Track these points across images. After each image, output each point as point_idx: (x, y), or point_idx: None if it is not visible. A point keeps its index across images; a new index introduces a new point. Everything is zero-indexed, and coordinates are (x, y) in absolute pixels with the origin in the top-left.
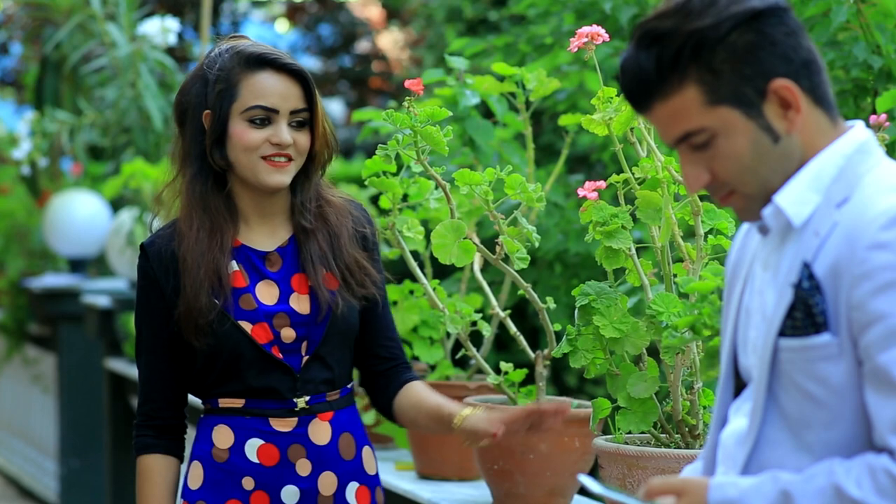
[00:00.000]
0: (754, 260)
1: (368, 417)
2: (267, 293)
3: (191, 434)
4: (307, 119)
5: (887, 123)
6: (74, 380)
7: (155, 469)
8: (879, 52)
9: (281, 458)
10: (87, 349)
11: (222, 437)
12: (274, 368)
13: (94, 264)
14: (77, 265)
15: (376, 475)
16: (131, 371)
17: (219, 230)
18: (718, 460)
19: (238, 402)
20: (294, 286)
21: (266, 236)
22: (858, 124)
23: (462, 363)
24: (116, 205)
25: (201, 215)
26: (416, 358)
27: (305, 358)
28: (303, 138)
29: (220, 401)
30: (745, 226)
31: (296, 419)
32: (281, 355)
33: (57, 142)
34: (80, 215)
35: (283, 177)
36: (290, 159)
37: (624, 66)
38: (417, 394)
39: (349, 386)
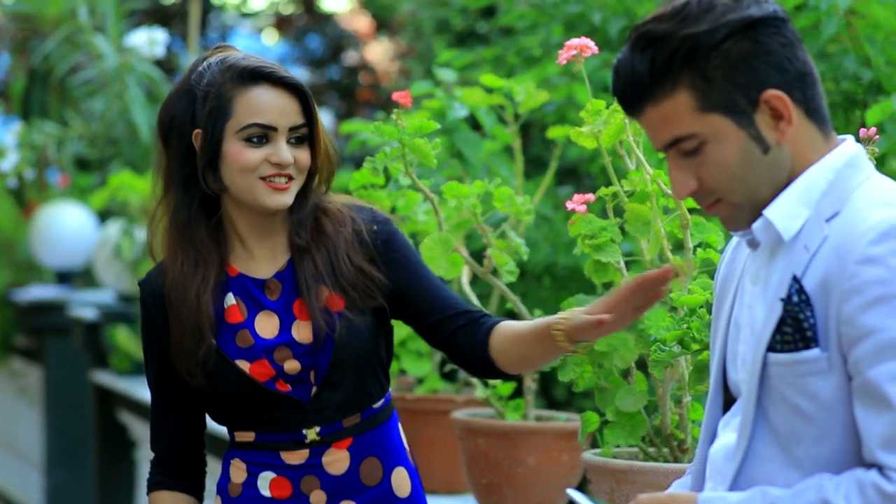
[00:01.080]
0: (744, 274)
1: None
2: (267, 325)
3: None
4: (306, 135)
5: (877, 136)
6: (61, 392)
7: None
8: (869, 64)
9: (294, 490)
10: (73, 362)
11: (237, 470)
12: (281, 402)
13: (80, 276)
14: (64, 277)
15: (410, 497)
16: (118, 384)
17: (203, 264)
18: (707, 476)
19: (249, 436)
20: (296, 313)
21: (266, 261)
22: (849, 139)
23: (450, 376)
24: (103, 216)
25: (185, 247)
26: (403, 371)
27: (315, 388)
28: (303, 155)
29: (235, 434)
30: (735, 239)
31: (307, 451)
32: (289, 386)
33: (44, 153)
34: (67, 227)
35: (285, 198)
36: (290, 178)
37: (617, 68)
38: (510, 328)
39: (376, 406)
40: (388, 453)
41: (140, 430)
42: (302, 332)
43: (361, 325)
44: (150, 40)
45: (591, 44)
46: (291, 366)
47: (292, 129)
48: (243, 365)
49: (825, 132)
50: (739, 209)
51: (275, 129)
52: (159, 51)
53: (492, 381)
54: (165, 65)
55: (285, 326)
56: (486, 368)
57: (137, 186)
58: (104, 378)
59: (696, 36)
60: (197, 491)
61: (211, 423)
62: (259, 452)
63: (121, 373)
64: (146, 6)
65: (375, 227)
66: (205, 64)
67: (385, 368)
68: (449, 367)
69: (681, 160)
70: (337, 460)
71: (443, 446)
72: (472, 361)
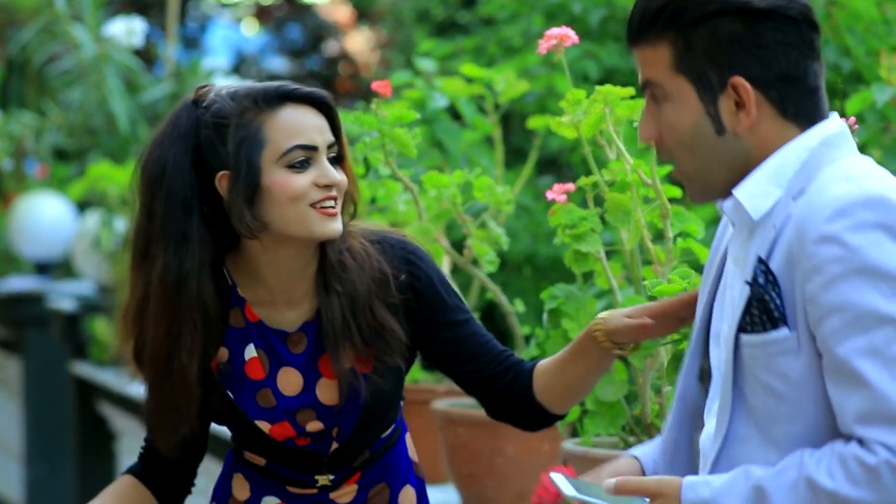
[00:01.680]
0: (728, 253)
1: None
2: (289, 382)
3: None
4: (338, 152)
5: (856, 126)
6: (40, 384)
7: (119, 483)
8: (849, 54)
9: None
10: (52, 353)
11: (240, 488)
12: (298, 453)
13: (59, 267)
14: (42, 268)
15: None
16: (97, 375)
17: (194, 328)
18: (701, 466)
19: (259, 461)
20: (322, 370)
21: (289, 308)
22: (833, 116)
23: (431, 367)
24: (82, 207)
25: (170, 310)
26: None
27: (336, 445)
28: (342, 175)
29: (245, 452)
30: (725, 218)
31: (315, 490)
32: (308, 440)
33: (22, 144)
34: (46, 218)
35: (337, 224)
36: (334, 201)
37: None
38: (549, 362)
39: (385, 435)
40: (396, 475)
41: (120, 422)
42: (327, 393)
43: (387, 387)
44: (128, 30)
45: (572, 33)
46: (314, 427)
47: (329, 147)
48: (263, 426)
49: (805, 132)
50: (689, 180)
51: (316, 149)
52: (137, 40)
53: None
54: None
55: (309, 384)
56: (533, 415)
57: (116, 177)
58: (84, 369)
59: (686, 1)
60: (164, 494)
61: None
62: (266, 478)
63: (100, 364)
64: None
65: (403, 276)
66: (208, 102)
67: (401, 399)
68: None
69: (651, 105)
70: (346, 493)
71: (423, 436)
72: (518, 410)
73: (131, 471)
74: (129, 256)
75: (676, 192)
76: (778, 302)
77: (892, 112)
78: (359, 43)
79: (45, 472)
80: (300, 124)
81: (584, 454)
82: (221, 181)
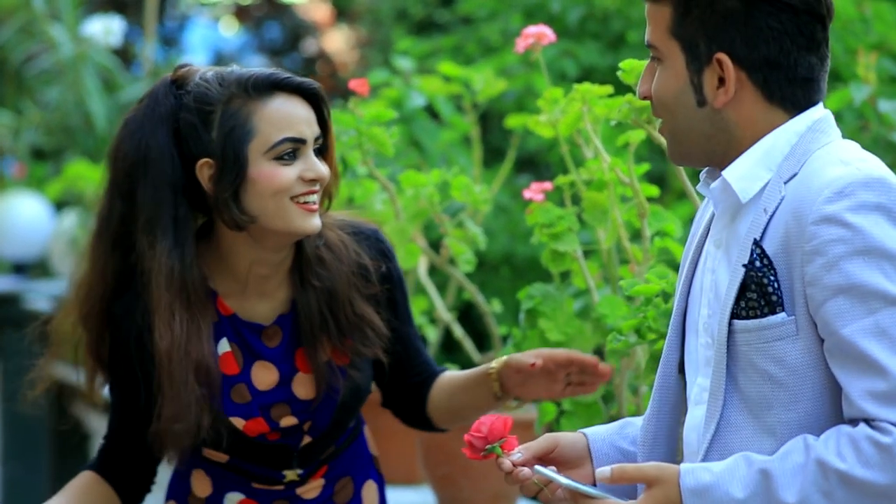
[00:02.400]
0: (709, 236)
1: None
2: (264, 376)
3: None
4: (323, 144)
5: None
6: (17, 385)
7: (81, 479)
8: None
9: None
10: (29, 354)
11: (201, 485)
12: (268, 448)
13: (36, 267)
14: (19, 268)
15: None
16: (72, 376)
17: (200, 315)
18: (685, 457)
19: (222, 457)
20: (298, 364)
21: (261, 300)
22: (818, 105)
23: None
24: (59, 206)
25: (182, 302)
26: None
27: (308, 439)
28: (326, 168)
29: (205, 449)
30: (704, 202)
31: (282, 486)
32: (278, 435)
33: None
34: (23, 217)
35: (317, 220)
36: (315, 195)
37: None
38: (447, 378)
39: (349, 428)
40: (359, 469)
41: (95, 423)
42: (303, 387)
43: (363, 381)
44: (106, 29)
45: (549, 32)
46: (288, 422)
47: (315, 140)
48: (237, 422)
49: (793, 116)
50: (671, 141)
51: (304, 142)
52: (115, 40)
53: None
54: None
55: (285, 379)
56: (421, 423)
57: (93, 176)
58: (60, 371)
59: None
60: (126, 491)
61: None
62: (229, 474)
63: (75, 365)
64: None
65: (384, 268)
66: (191, 85)
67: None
68: None
69: (652, 65)
70: (312, 488)
71: (399, 437)
72: (410, 415)
73: (91, 467)
74: (96, 242)
75: (654, 190)
76: (776, 286)
77: (869, 110)
78: (337, 42)
79: (22, 473)
80: (290, 116)
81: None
82: (203, 169)
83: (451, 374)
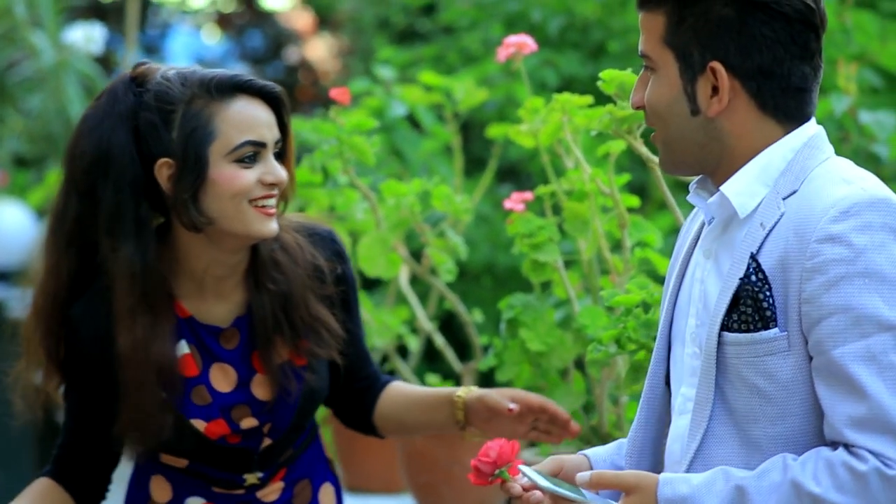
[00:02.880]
0: (697, 247)
1: None
2: (223, 378)
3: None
4: (282, 148)
5: None
6: (1, 393)
7: (38, 485)
8: None
9: None
10: (12, 362)
11: (160, 490)
12: (228, 452)
13: (18, 275)
14: (2, 276)
15: None
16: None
17: (161, 317)
18: (666, 467)
19: (181, 462)
20: (255, 366)
21: (223, 304)
22: (811, 121)
23: (390, 375)
24: (42, 214)
25: (143, 305)
26: None
27: (268, 441)
28: (285, 172)
29: (161, 455)
30: (693, 211)
31: (242, 490)
32: (239, 438)
33: None
34: (5, 225)
35: (275, 224)
36: (274, 199)
37: None
38: (402, 391)
39: (305, 431)
40: (316, 471)
41: None
42: (262, 389)
43: (320, 383)
44: (87, 37)
45: (530, 41)
46: (248, 423)
47: (275, 143)
48: (199, 424)
49: (786, 128)
50: (663, 149)
51: (265, 146)
52: (97, 47)
53: (431, 381)
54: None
55: (243, 380)
56: (363, 427)
57: None
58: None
59: None
60: (81, 496)
61: None
62: (189, 478)
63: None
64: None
65: (339, 269)
66: (152, 84)
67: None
68: (388, 366)
69: (645, 73)
70: (272, 491)
71: (380, 445)
72: (351, 420)
73: (48, 474)
74: (50, 239)
75: (634, 201)
76: (771, 301)
77: (850, 122)
78: (319, 50)
79: (4, 480)
80: (252, 119)
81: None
82: (162, 169)
83: (406, 388)
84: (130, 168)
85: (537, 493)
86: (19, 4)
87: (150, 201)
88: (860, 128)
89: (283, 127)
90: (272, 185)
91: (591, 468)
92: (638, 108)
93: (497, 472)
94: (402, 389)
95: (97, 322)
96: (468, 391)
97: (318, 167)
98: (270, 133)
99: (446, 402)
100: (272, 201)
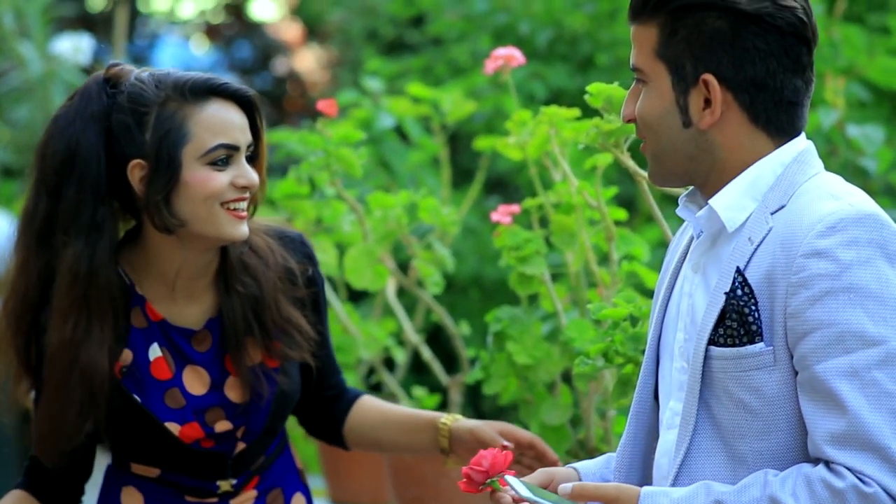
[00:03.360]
0: (686, 261)
1: None
2: (196, 381)
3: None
4: (254, 152)
5: None
6: None
7: (10, 497)
8: None
9: None
10: None
11: (131, 501)
12: (202, 456)
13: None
14: None
15: None
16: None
17: (101, 321)
18: (654, 481)
19: (153, 472)
20: (228, 368)
21: (194, 306)
22: (801, 136)
23: (377, 388)
24: None
25: (81, 306)
26: None
27: (242, 445)
28: (257, 176)
29: (133, 465)
30: (682, 225)
31: (216, 498)
32: (212, 442)
33: None
34: None
35: (245, 228)
36: (245, 202)
37: None
38: (378, 407)
39: (274, 442)
40: (288, 481)
41: None
42: (235, 391)
43: (292, 386)
44: (75, 47)
45: (518, 54)
46: (223, 427)
47: (248, 147)
48: (173, 427)
49: (777, 142)
50: (653, 161)
51: (238, 149)
52: (85, 58)
53: (417, 394)
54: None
55: (217, 383)
56: (330, 439)
57: None
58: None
59: None
60: None
61: None
62: (161, 488)
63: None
64: (72, 13)
65: (310, 271)
66: (125, 85)
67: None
68: (375, 378)
69: (636, 87)
70: (245, 500)
71: (367, 458)
72: (319, 431)
73: (20, 486)
74: (20, 238)
75: (622, 214)
76: (756, 315)
77: (837, 136)
78: (308, 61)
79: None
80: (226, 122)
81: (529, 478)
82: (134, 171)
83: (382, 405)
84: (95, 168)
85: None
86: (7, 14)
87: (121, 202)
88: (848, 142)
89: (255, 131)
90: (244, 189)
91: (581, 481)
92: (629, 121)
93: (488, 481)
94: (379, 406)
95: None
96: (454, 419)
97: (304, 179)
98: (243, 136)
99: (430, 426)
100: (243, 204)
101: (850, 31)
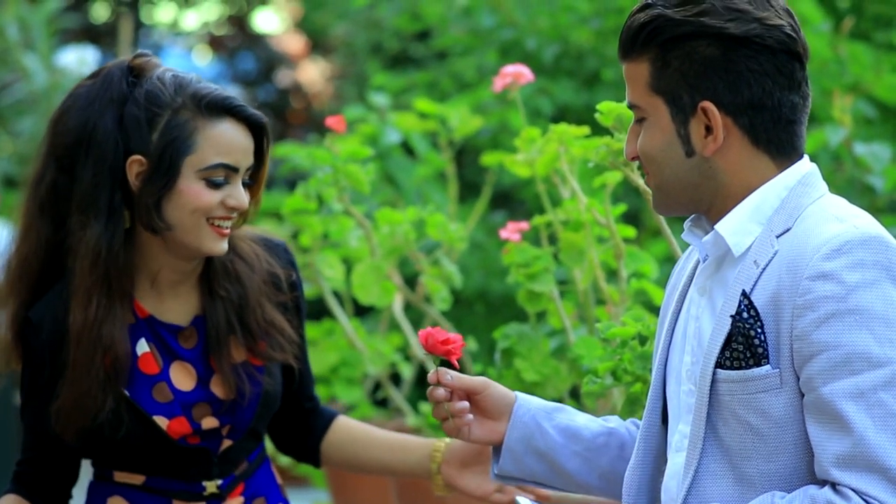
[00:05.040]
0: (692, 284)
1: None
2: (183, 377)
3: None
4: (253, 176)
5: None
6: None
7: (4, 500)
8: None
9: None
10: None
11: None
12: (187, 454)
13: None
14: None
15: None
16: None
17: (118, 304)
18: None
19: (137, 479)
20: (213, 365)
21: (180, 304)
22: (804, 158)
23: (382, 403)
24: None
25: (102, 287)
26: (334, 398)
27: (228, 442)
28: (247, 200)
29: (116, 473)
30: (688, 249)
31: (203, 502)
32: (199, 439)
33: None
34: None
35: (225, 244)
36: (230, 221)
37: (630, 13)
38: (362, 426)
39: (256, 449)
40: (272, 491)
41: None
42: (221, 388)
43: (275, 387)
44: (80, 59)
45: (527, 71)
46: (209, 423)
47: (246, 170)
48: (161, 421)
49: (779, 163)
50: (656, 193)
51: (237, 171)
52: (89, 70)
53: (424, 409)
54: None
55: (203, 380)
56: (306, 456)
57: None
58: None
59: (666, 19)
60: None
61: None
62: (148, 495)
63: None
64: (76, 25)
65: (294, 277)
66: (149, 81)
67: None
68: (381, 393)
69: (635, 125)
70: None
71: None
72: (295, 449)
73: (10, 491)
74: (25, 203)
75: (631, 232)
76: (763, 338)
77: (844, 152)
78: (311, 74)
79: None
80: (231, 143)
81: (536, 495)
82: (133, 165)
83: (366, 428)
84: (112, 154)
85: (440, 390)
86: (12, 26)
87: (122, 192)
88: (855, 159)
89: (259, 156)
90: (232, 209)
91: (514, 409)
92: (632, 159)
93: (434, 356)
94: (363, 425)
95: (57, 324)
96: (447, 443)
97: (313, 195)
98: (245, 160)
99: (423, 452)
100: (229, 223)
101: (857, 49)
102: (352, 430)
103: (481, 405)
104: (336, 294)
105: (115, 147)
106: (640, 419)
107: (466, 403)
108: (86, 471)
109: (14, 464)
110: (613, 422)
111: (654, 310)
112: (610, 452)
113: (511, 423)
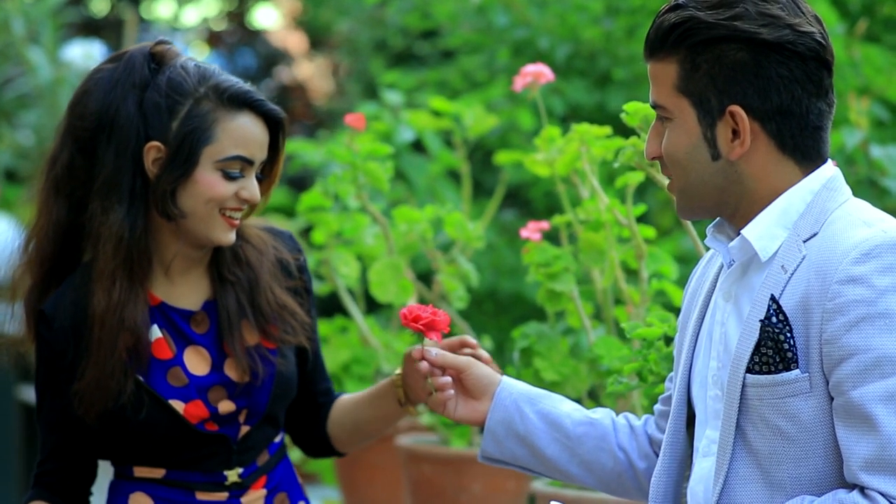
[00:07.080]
0: (717, 290)
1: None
2: (198, 361)
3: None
4: (266, 169)
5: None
6: None
7: None
8: None
9: None
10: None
11: None
12: (206, 441)
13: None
14: None
15: None
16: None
17: (138, 289)
18: None
19: (157, 473)
20: (226, 349)
21: (190, 290)
22: (828, 162)
23: None
24: None
25: (125, 270)
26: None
27: (246, 428)
28: (259, 193)
29: (136, 469)
30: (708, 254)
31: (226, 493)
32: (217, 426)
33: None
34: None
35: (234, 235)
36: (241, 212)
37: (657, 13)
38: (345, 398)
39: (277, 440)
40: (293, 487)
41: None
42: (235, 371)
43: (290, 369)
44: (85, 54)
45: (547, 71)
46: (226, 407)
47: (261, 164)
48: (177, 405)
49: (804, 168)
50: (680, 196)
51: (252, 164)
52: (94, 64)
53: None
54: None
55: (217, 363)
56: (318, 444)
57: None
58: (30, 394)
59: (699, 21)
60: None
61: None
62: (170, 489)
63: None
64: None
65: (302, 260)
66: (171, 68)
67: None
68: None
69: (658, 124)
70: (254, 499)
71: (384, 471)
72: (308, 440)
73: (34, 497)
74: (42, 180)
75: (651, 232)
76: (792, 342)
77: (860, 156)
78: (311, 70)
79: None
80: (250, 136)
81: (554, 495)
82: (150, 151)
83: (351, 395)
84: (134, 139)
85: (424, 363)
86: (17, 21)
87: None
88: (870, 162)
89: (274, 150)
90: (245, 201)
91: (496, 391)
92: (654, 158)
93: (416, 332)
94: (350, 396)
95: (70, 315)
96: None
97: (331, 192)
98: (261, 153)
99: (388, 386)
100: (239, 214)
101: (871, 51)
102: (341, 401)
103: (465, 384)
104: (350, 291)
105: (137, 133)
106: (666, 432)
107: (449, 379)
108: (105, 470)
109: (15, 463)
110: (599, 413)
111: (673, 310)
112: (590, 442)
113: (493, 405)
